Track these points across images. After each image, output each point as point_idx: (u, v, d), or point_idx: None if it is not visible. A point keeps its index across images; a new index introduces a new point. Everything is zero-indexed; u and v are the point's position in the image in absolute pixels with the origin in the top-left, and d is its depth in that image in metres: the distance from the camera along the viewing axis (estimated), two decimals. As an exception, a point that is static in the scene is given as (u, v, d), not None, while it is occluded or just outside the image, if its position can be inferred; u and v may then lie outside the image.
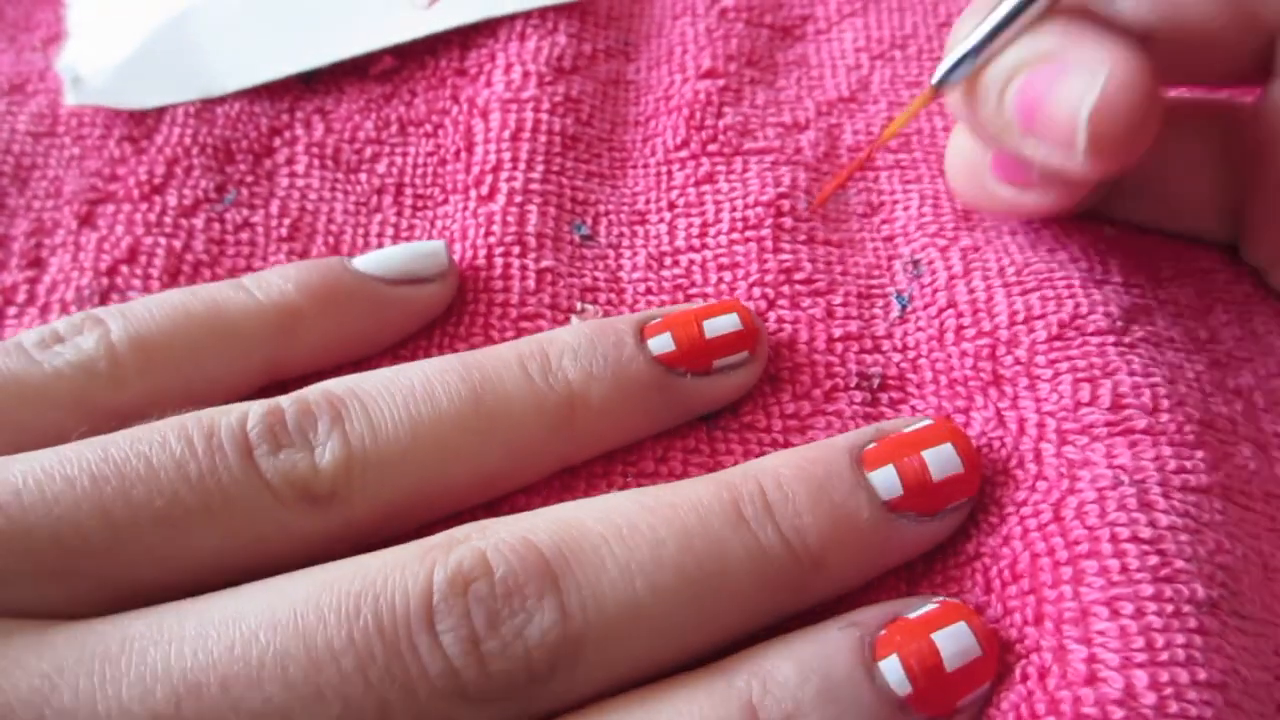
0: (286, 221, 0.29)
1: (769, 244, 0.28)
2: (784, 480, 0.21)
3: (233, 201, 0.30)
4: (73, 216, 0.29)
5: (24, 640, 0.18)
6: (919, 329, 0.27)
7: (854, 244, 0.29)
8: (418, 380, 0.22)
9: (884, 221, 0.29)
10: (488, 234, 0.28)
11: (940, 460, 0.22)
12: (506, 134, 0.30)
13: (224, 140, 0.31)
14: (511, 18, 0.33)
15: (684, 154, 0.30)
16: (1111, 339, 0.25)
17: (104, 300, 0.27)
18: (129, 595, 0.19)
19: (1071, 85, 0.22)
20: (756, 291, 0.27)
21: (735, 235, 0.29)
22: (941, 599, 0.21)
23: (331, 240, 0.29)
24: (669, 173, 0.30)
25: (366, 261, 0.26)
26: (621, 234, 0.29)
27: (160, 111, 0.31)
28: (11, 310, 0.27)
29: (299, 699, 0.18)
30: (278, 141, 0.31)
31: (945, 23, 0.35)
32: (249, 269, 0.28)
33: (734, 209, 0.29)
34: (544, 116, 0.31)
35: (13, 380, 0.22)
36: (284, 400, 0.21)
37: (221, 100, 0.31)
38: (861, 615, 0.20)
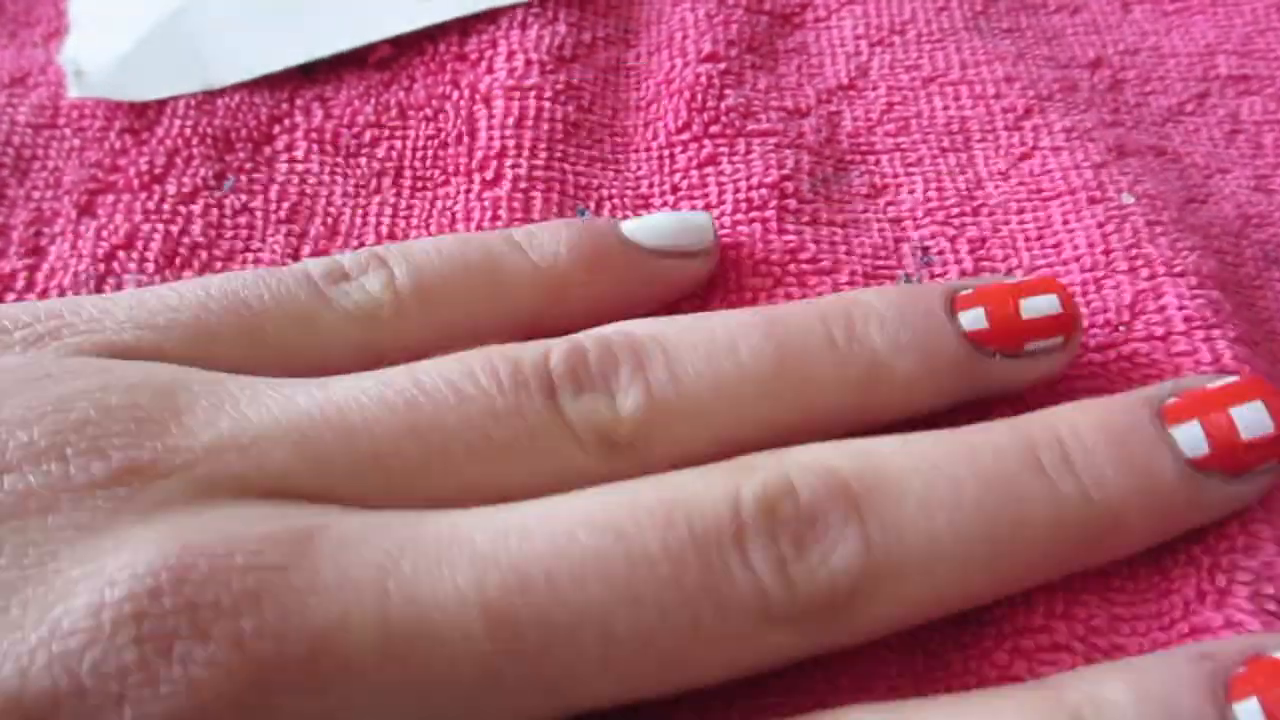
0: (285, 205, 0.29)
1: (773, 224, 0.28)
2: (1082, 431, 0.20)
3: (231, 188, 0.30)
4: (72, 206, 0.29)
5: (361, 519, 0.18)
6: None
7: (859, 224, 0.29)
8: (720, 333, 0.22)
9: (889, 204, 0.29)
10: (494, 218, 0.28)
11: (1249, 418, 0.20)
12: (510, 121, 0.30)
13: (224, 130, 0.31)
14: (511, 6, 0.33)
15: (686, 136, 0.30)
16: (1114, 354, 0.25)
17: (100, 286, 0.27)
18: (439, 509, 0.20)
19: None
20: (763, 269, 0.27)
21: (739, 216, 0.28)
22: None
23: (330, 221, 0.29)
24: (671, 156, 0.30)
25: (637, 229, 0.26)
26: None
27: (161, 103, 0.31)
28: (10, 296, 0.27)
29: (620, 600, 0.18)
30: (277, 129, 0.31)
31: (943, 7, 0.35)
32: (246, 251, 0.28)
33: (737, 190, 0.29)
34: (546, 104, 0.31)
35: (306, 313, 0.22)
36: (586, 340, 0.21)
37: (222, 92, 0.31)
38: (1217, 647, 0.19)
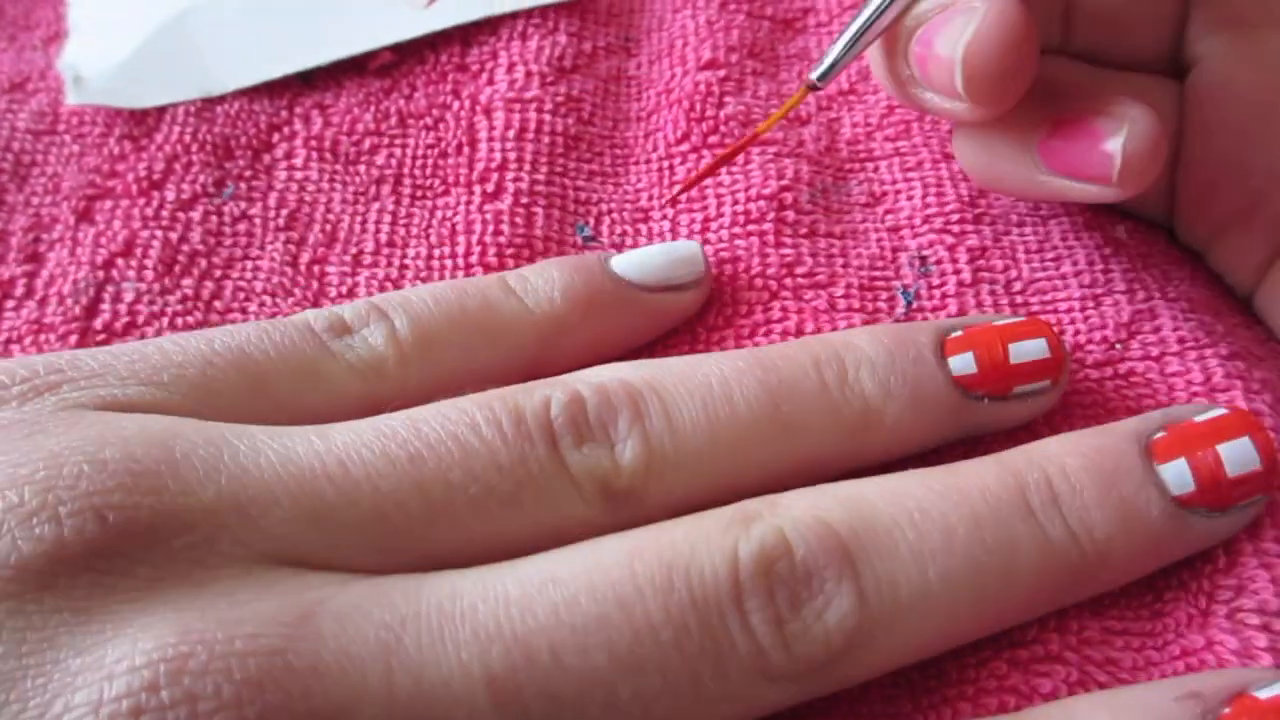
0: (284, 212, 0.29)
1: (770, 238, 0.28)
2: (1071, 471, 0.21)
3: (231, 195, 0.30)
4: (71, 212, 0.29)
5: (361, 589, 0.18)
6: None
7: (856, 235, 0.29)
8: (715, 380, 0.22)
9: (888, 212, 0.29)
10: (496, 232, 0.29)
11: (1236, 455, 0.21)
12: (511, 133, 0.30)
13: (223, 137, 0.31)
14: (512, 15, 0.33)
15: (685, 147, 0.30)
16: (1110, 371, 0.25)
17: (99, 293, 0.27)
18: (439, 568, 0.20)
19: (950, 29, 0.23)
20: (759, 283, 0.27)
21: (737, 229, 0.28)
22: None
23: (329, 228, 0.29)
24: (671, 167, 0.30)
25: (626, 265, 0.26)
26: (625, 232, 0.29)
27: (161, 110, 0.31)
28: (10, 304, 0.27)
29: (623, 669, 0.18)
30: (276, 137, 0.31)
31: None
32: (245, 258, 0.28)
33: (735, 202, 0.29)
34: (547, 117, 0.31)
35: (310, 367, 0.23)
36: (583, 387, 0.21)
37: (221, 99, 0.31)
38: (1202, 685, 0.19)
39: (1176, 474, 0.21)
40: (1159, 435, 0.21)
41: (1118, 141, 0.23)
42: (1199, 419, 0.21)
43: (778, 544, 0.19)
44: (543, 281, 0.25)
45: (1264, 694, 0.18)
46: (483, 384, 0.23)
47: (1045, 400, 0.24)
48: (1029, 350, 0.23)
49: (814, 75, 0.26)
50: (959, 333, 0.23)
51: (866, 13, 0.25)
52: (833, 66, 0.26)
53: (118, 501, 0.18)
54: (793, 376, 0.22)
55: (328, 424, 0.21)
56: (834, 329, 0.26)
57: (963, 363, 0.23)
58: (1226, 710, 0.18)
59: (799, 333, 0.26)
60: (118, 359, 0.21)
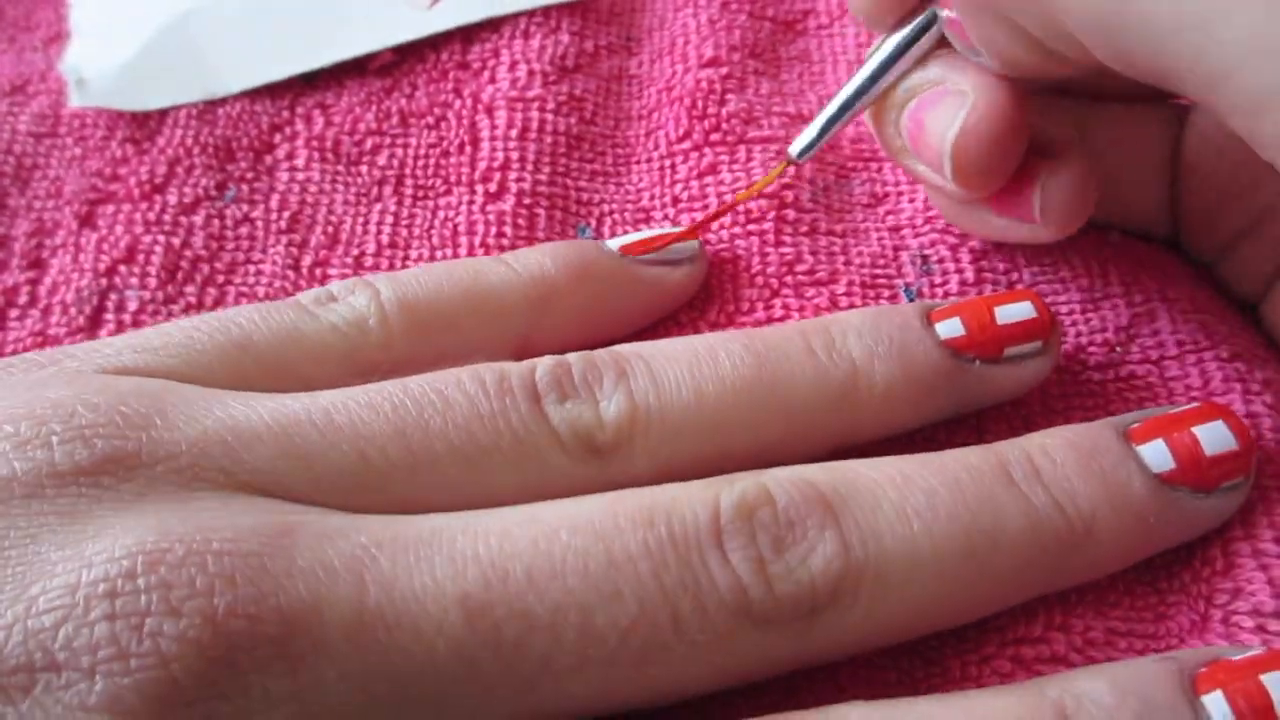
0: (286, 214, 0.29)
1: (771, 237, 0.28)
2: (1050, 448, 0.21)
3: (233, 198, 0.30)
4: (73, 217, 0.29)
5: (341, 519, 0.19)
6: None
7: (858, 234, 0.29)
8: (702, 347, 0.22)
9: (889, 212, 0.29)
10: (499, 233, 0.29)
11: (1212, 435, 0.21)
12: (513, 133, 0.30)
13: (225, 139, 0.31)
14: (514, 15, 0.33)
15: (686, 145, 0.30)
16: (1111, 374, 0.25)
17: (103, 301, 0.27)
18: (422, 514, 0.20)
19: (940, 113, 0.24)
20: (760, 281, 0.27)
21: (738, 229, 0.28)
22: (1265, 648, 0.20)
23: (331, 230, 0.29)
24: (672, 166, 0.30)
25: (619, 242, 0.27)
26: (626, 231, 0.29)
27: (163, 113, 0.31)
28: (14, 312, 0.27)
29: (598, 594, 0.18)
30: (278, 138, 0.31)
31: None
32: (248, 262, 0.28)
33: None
34: (549, 116, 0.31)
35: (295, 332, 0.23)
36: (571, 356, 0.22)
37: (223, 101, 0.31)
38: (1179, 654, 0.20)
39: (1155, 452, 0.21)
40: (1135, 425, 0.22)
41: (1037, 187, 0.24)
42: (1173, 411, 0.22)
43: (759, 494, 0.20)
44: (534, 252, 0.26)
45: (1238, 658, 0.19)
46: (472, 354, 0.24)
47: (1039, 364, 0.24)
48: (1015, 312, 0.23)
49: (793, 151, 0.27)
50: (945, 305, 0.24)
51: (849, 91, 0.26)
52: (812, 145, 0.26)
53: (105, 433, 0.19)
54: (779, 344, 0.23)
55: (318, 390, 0.21)
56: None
57: (950, 327, 0.23)
58: (1204, 669, 0.19)
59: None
60: (112, 339, 0.23)
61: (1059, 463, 0.21)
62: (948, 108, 0.24)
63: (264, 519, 0.18)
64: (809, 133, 0.26)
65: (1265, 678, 0.18)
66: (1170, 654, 0.20)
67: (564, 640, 0.18)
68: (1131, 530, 0.21)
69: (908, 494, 0.20)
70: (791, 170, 0.29)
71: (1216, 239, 0.27)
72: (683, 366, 0.22)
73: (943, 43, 0.25)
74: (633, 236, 0.27)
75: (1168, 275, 0.27)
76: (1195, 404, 0.22)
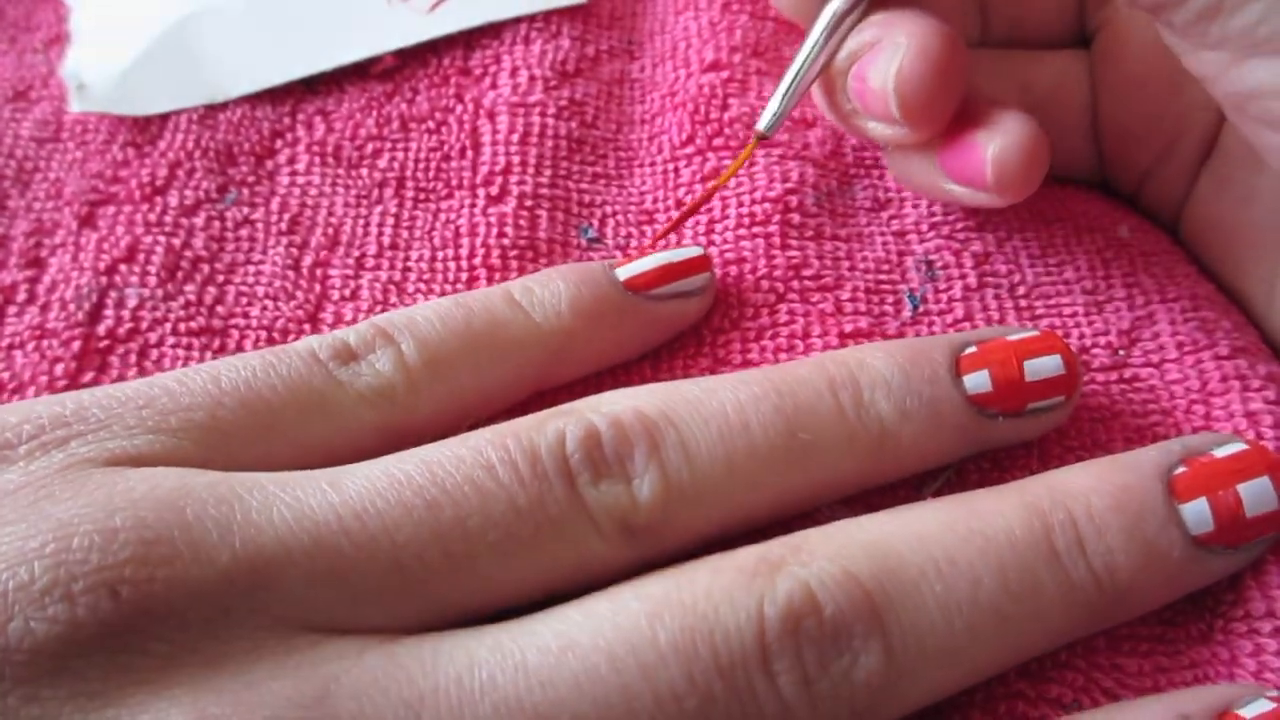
0: (286, 216, 0.29)
1: (776, 240, 0.28)
2: (1096, 512, 0.21)
3: (234, 201, 0.30)
4: (73, 217, 0.29)
5: (377, 661, 0.18)
6: (932, 334, 0.26)
7: (862, 238, 0.28)
8: (731, 408, 0.22)
9: (893, 217, 0.29)
10: (500, 235, 0.28)
11: (1256, 495, 0.21)
12: (515, 137, 0.30)
13: (226, 144, 0.31)
14: (515, 20, 0.33)
15: (690, 150, 0.30)
16: (1114, 376, 0.25)
17: (102, 299, 0.27)
18: (457, 616, 0.20)
19: (880, 62, 0.25)
20: (765, 285, 0.27)
21: (742, 231, 0.28)
22: (1275, 694, 0.20)
23: (331, 231, 0.29)
24: (675, 170, 0.30)
25: (630, 274, 0.26)
26: (629, 234, 0.29)
27: (164, 117, 0.31)
28: (12, 309, 0.27)
29: None
30: (279, 143, 0.31)
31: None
32: (248, 263, 0.28)
33: (741, 205, 0.29)
34: (550, 121, 0.31)
35: (319, 399, 0.22)
36: (597, 419, 0.21)
37: (224, 105, 0.31)
38: (1188, 705, 0.19)
39: (1197, 514, 0.21)
40: (1180, 471, 0.21)
41: (990, 151, 0.25)
42: (1219, 454, 0.22)
43: (805, 601, 0.19)
44: (549, 295, 0.25)
45: (1247, 712, 0.19)
46: (492, 402, 0.24)
47: (1058, 415, 0.24)
48: (1044, 367, 0.23)
49: (761, 126, 0.27)
50: (973, 349, 0.23)
51: (799, 62, 0.27)
52: (777, 115, 0.27)
53: (130, 575, 0.18)
54: (809, 402, 0.22)
55: (340, 469, 0.20)
56: (840, 332, 0.26)
57: (978, 381, 0.23)
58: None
59: (805, 336, 0.26)
60: (124, 405, 0.21)
61: (1103, 532, 0.20)
62: (886, 56, 0.25)
63: (300, 680, 0.18)
64: (771, 107, 0.27)
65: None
66: (1181, 707, 0.19)
67: None
68: (1160, 591, 0.21)
69: (952, 586, 0.20)
70: (789, 168, 0.29)
71: (1132, 171, 0.29)
72: (713, 435, 0.21)
73: (875, 5, 0.26)
74: (643, 265, 0.26)
75: (1168, 274, 0.27)
76: (1243, 447, 0.22)
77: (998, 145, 0.25)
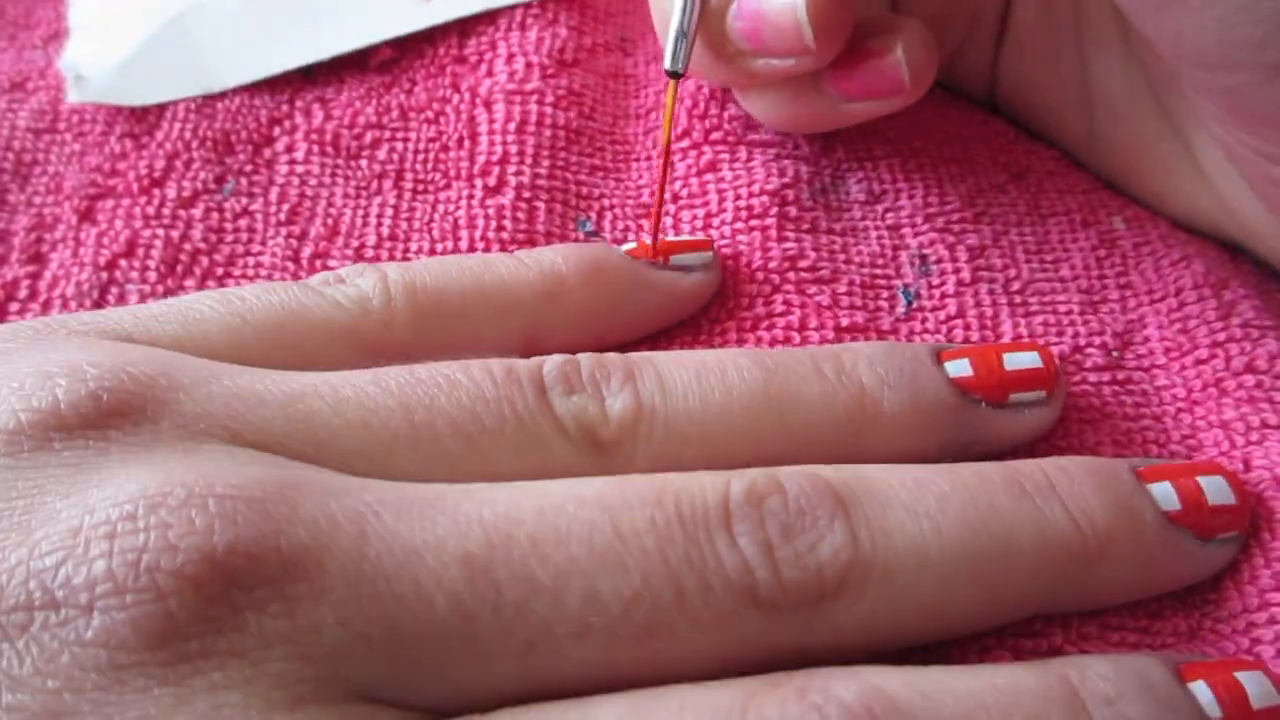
0: (285, 207, 0.29)
1: (773, 232, 0.28)
2: (1066, 468, 0.21)
3: (231, 191, 0.30)
4: (73, 212, 0.29)
5: (346, 478, 0.19)
6: (926, 330, 0.27)
7: (856, 232, 0.29)
8: (711, 358, 0.23)
9: (888, 210, 0.29)
10: (499, 228, 0.29)
11: (1214, 488, 0.22)
12: (512, 126, 0.30)
13: (224, 133, 0.31)
14: (511, 7, 0.33)
15: (686, 144, 0.30)
16: (1108, 376, 0.26)
17: (103, 295, 0.27)
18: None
19: None
20: (761, 275, 0.27)
21: (740, 224, 0.28)
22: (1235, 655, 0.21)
23: (330, 222, 0.29)
24: (671, 164, 0.30)
25: (630, 247, 0.27)
26: (627, 227, 0.29)
27: (161, 108, 0.31)
28: (14, 306, 0.27)
29: (602, 564, 0.18)
30: (277, 131, 0.31)
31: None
32: (247, 255, 0.28)
33: (738, 197, 0.29)
34: (548, 110, 0.31)
35: (299, 306, 0.23)
36: (580, 355, 0.22)
37: (222, 95, 0.31)
38: (1160, 654, 0.20)
39: (1164, 493, 0.22)
40: (1143, 467, 0.22)
41: (899, 52, 0.26)
42: (1176, 463, 0.23)
43: (770, 483, 0.20)
44: (547, 250, 0.26)
45: (1213, 660, 0.20)
46: (478, 345, 0.24)
47: (1043, 414, 0.24)
48: (1022, 360, 0.24)
49: (667, 66, 0.27)
50: (954, 347, 0.24)
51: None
52: (677, 56, 0.26)
53: (110, 386, 0.19)
54: (789, 361, 0.23)
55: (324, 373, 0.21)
56: (836, 325, 0.27)
57: (959, 367, 0.23)
58: (1184, 665, 0.20)
59: (802, 327, 0.27)
60: (114, 309, 0.23)
61: (1075, 480, 0.21)
62: None
63: (270, 471, 0.18)
64: (669, 49, 0.26)
65: (1240, 675, 0.19)
66: (1153, 654, 0.20)
67: (566, 606, 0.18)
68: (1141, 561, 0.21)
69: (919, 496, 0.20)
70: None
71: (943, 54, 0.30)
72: (690, 373, 0.22)
73: None
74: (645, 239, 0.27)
75: (1156, 270, 0.28)
76: (1199, 460, 0.23)
77: (904, 45, 0.26)
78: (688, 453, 0.22)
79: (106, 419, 0.19)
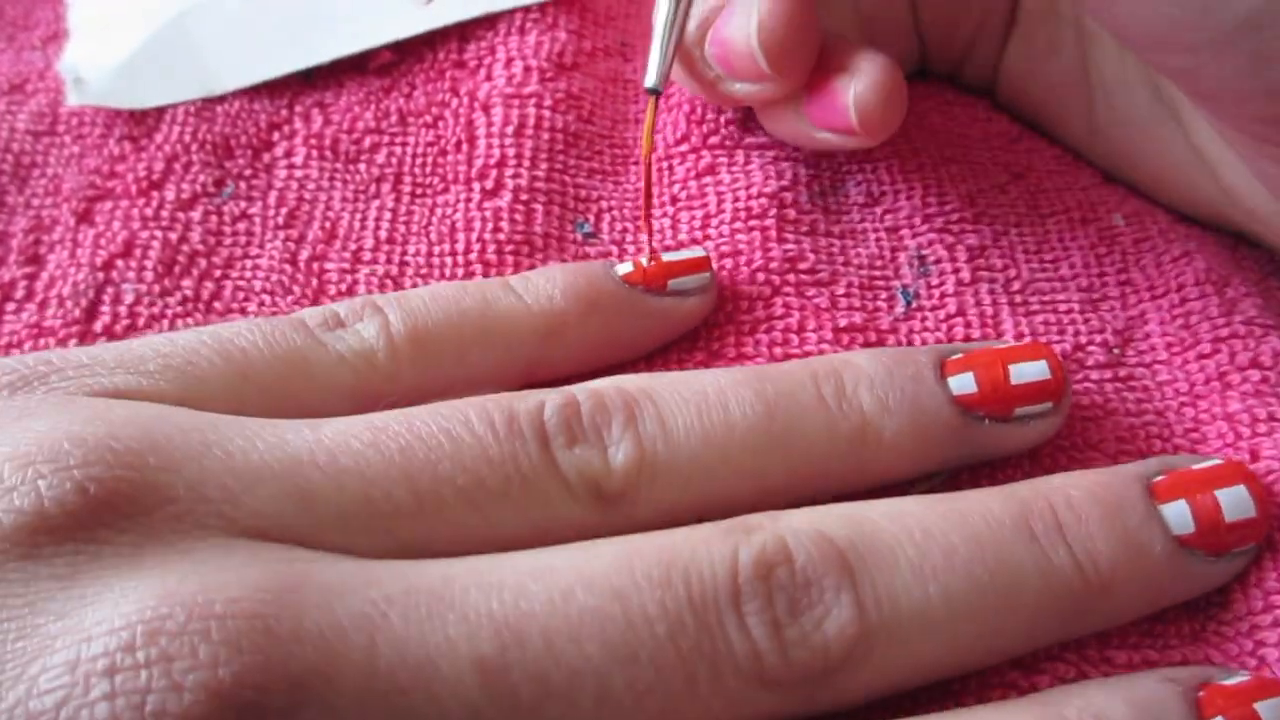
0: (283, 211, 0.29)
1: (773, 233, 0.28)
2: (1075, 501, 0.21)
3: (230, 195, 0.30)
4: (71, 214, 0.29)
5: (349, 567, 0.18)
6: (925, 329, 0.27)
7: (855, 234, 0.29)
8: (711, 389, 0.22)
9: (886, 212, 0.29)
10: (495, 229, 0.28)
11: (1233, 501, 0.21)
12: (510, 129, 0.30)
13: (223, 137, 0.31)
14: (510, 11, 0.33)
15: (684, 148, 0.30)
16: (1109, 373, 0.25)
17: (99, 295, 0.27)
18: (429, 558, 0.20)
19: (737, 21, 0.26)
20: (760, 277, 0.27)
21: (738, 225, 0.28)
22: (1253, 674, 0.20)
23: (328, 225, 0.29)
24: (670, 167, 0.30)
25: (630, 271, 0.26)
26: (625, 230, 0.29)
27: (160, 111, 0.31)
28: (10, 306, 0.27)
29: (616, 660, 0.18)
30: (276, 135, 0.31)
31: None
32: (245, 257, 0.28)
33: (736, 199, 0.29)
34: (546, 113, 0.31)
35: (301, 359, 0.22)
36: (579, 392, 0.22)
37: (222, 99, 0.31)
38: (1174, 673, 0.20)
39: (1178, 514, 0.21)
40: (1159, 478, 0.22)
41: (850, 95, 0.26)
42: (1196, 467, 0.22)
43: (778, 550, 0.19)
44: (544, 281, 0.25)
45: (1229, 682, 0.20)
46: (479, 384, 0.23)
47: (1048, 424, 0.24)
48: (1030, 371, 0.23)
49: (649, 84, 0.27)
50: (959, 355, 0.23)
51: (664, 15, 0.27)
52: (659, 74, 0.27)
53: (98, 474, 0.18)
54: (789, 389, 0.22)
55: (320, 420, 0.21)
56: (835, 326, 0.26)
57: (962, 382, 0.23)
58: (1202, 694, 0.19)
59: (800, 330, 0.26)
60: (107, 352, 0.22)
61: (1083, 518, 0.21)
62: (742, 14, 0.26)
63: (269, 571, 0.18)
64: (651, 66, 0.27)
65: (1259, 705, 0.19)
66: (1167, 674, 0.20)
67: (580, 705, 0.18)
68: (1146, 591, 0.21)
69: (926, 551, 0.20)
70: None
71: (955, 51, 0.32)
72: (691, 412, 0.22)
73: None
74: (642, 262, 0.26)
75: (1157, 265, 0.27)
76: (1220, 462, 0.22)
77: (857, 88, 0.26)
78: (689, 495, 0.21)
79: (96, 514, 0.18)
